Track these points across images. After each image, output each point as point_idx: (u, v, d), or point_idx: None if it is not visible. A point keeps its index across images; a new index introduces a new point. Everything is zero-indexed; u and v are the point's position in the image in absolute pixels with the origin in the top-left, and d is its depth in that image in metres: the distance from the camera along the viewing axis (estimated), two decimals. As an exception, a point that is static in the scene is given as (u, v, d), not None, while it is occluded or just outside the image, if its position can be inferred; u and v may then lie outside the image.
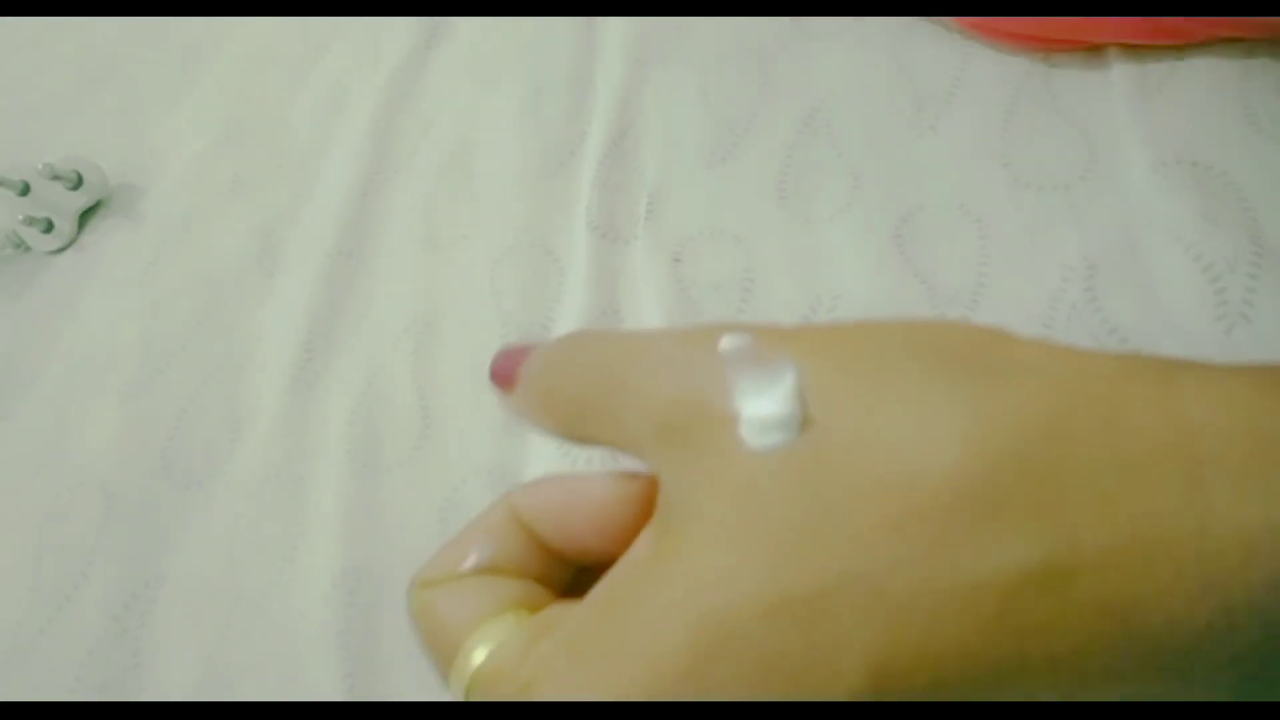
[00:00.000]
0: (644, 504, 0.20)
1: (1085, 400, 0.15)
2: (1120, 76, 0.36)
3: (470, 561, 0.21)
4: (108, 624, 0.39)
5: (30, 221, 0.54)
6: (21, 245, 0.56)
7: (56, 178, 0.55)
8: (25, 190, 0.55)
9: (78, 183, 0.55)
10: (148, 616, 0.38)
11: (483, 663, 0.19)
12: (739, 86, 0.44)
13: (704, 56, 0.46)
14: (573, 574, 0.22)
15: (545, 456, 0.37)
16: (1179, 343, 0.31)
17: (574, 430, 0.21)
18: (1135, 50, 0.37)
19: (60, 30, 0.70)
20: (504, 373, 0.22)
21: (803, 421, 0.16)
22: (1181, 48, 0.36)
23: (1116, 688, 0.15)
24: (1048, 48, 0.38)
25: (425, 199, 0.48)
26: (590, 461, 0.36)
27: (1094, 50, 0.37)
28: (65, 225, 0.55)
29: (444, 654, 0.20)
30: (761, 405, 0.17)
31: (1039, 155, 0.36)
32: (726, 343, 0.18)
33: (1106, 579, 0.14)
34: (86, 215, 0.56)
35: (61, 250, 0.55)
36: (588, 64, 0.48)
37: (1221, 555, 0.14)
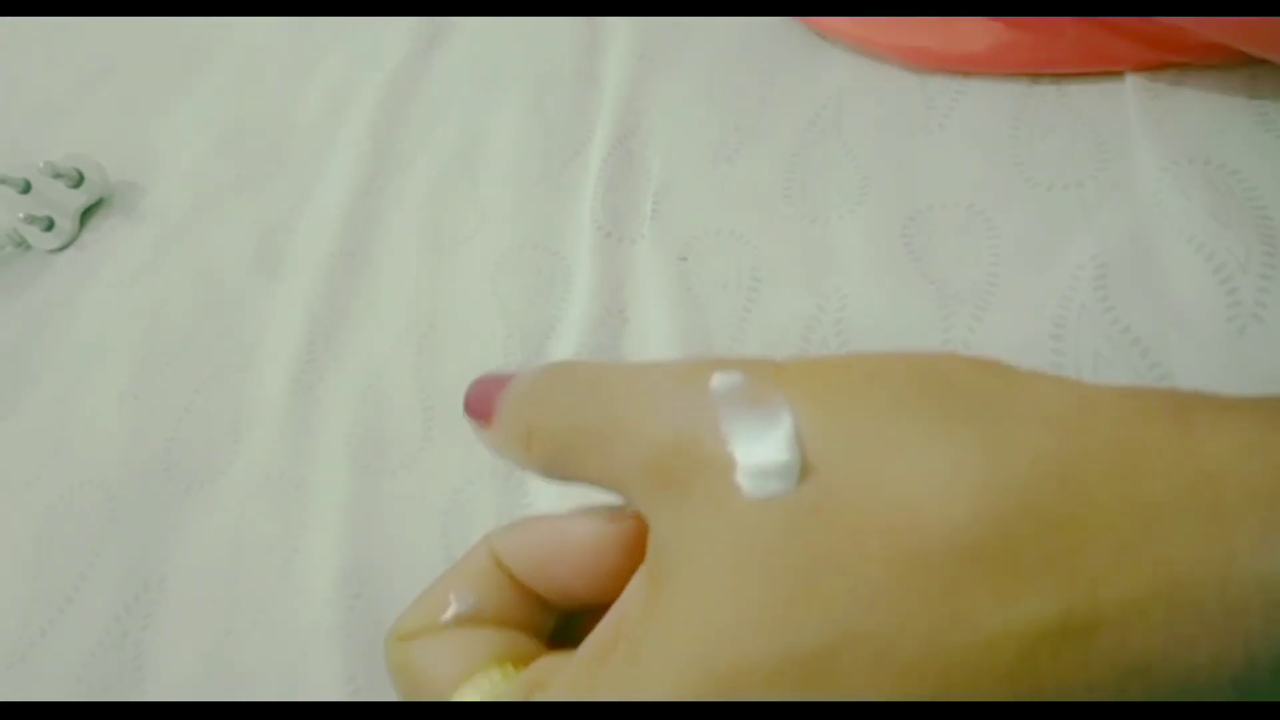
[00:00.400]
0: (633, 546, 0.19)
1: (1100, 443, 0.15)
2: (1131, 75, 0.36)
3: (450, 611, 0.20)
4: (109, 625, 0.38)
5: (31, 220, 0.54)
6: (22, 244, 0.55)
7: (58, 176, 0.54)
8: (26, 188, 0.54)
9: (79, 181, 0.55)
10: (149, 618, 0.38)
11: None
12: (745, 84, 0.44)
13: (710, 54, 0.45)
14: (557, 619, 0.21)
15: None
16: (1191, 343, 0.30)
17: (556, 469, 0.20)
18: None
19: (61, 28, 0.70)
20: (480, 405, 0.21)
21: (802, 468, 0.16)
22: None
23: None
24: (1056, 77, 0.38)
25: (428, 198, 0.47)
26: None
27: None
28: (66, 223, 0.55)
29: None
30: (758, 451, 0.16)
31: (1049, 154, 0.36)
32: (717, 382, 0.17)
33: (1128, 634, 0.14)
34: (88, 213, 0.56)
35: (62, 249, 0.55)
36: (592, 62, 0.48)
37: (1247, 607, 0.13)
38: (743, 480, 0.16)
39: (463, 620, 0.20)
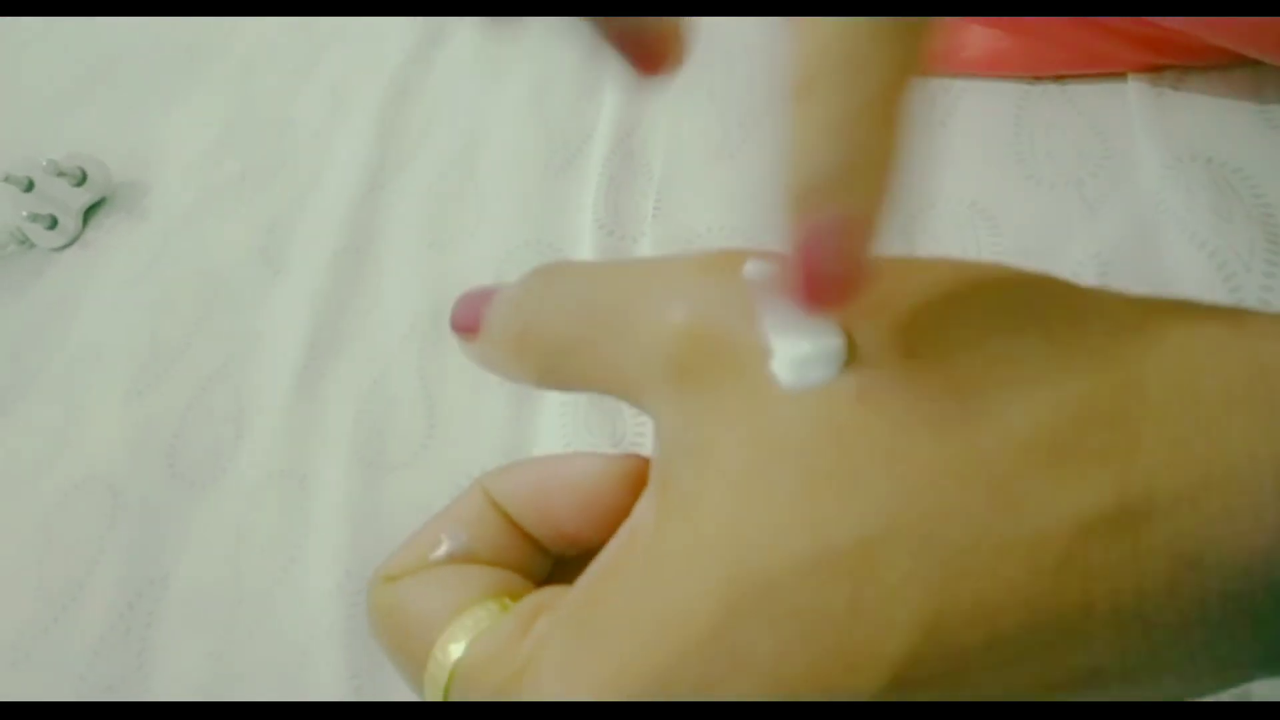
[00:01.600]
0: (631, 483, 0.18)
1: (1155, 341, 0.15)
2: (1133, 74, 0.36)
3: (442, 549, 0.19)
4: (113, 623, 0.38)
5: (34, 218, 0.54)
6: (26, 242, 0.55)
7: (61, 174, 0.55)
8: (29, 187, 0.54)
9: (82, 179, 0.55)
10: (153, 616, 0.38)
11: (465, 652, 0.17)
12: (746, 80, 0.43)
13: (711, 52, 0.45)
14: (551, 565, 0.20)
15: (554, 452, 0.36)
16: (1193, 341, 0.30)
17: (552, 373, 0.18)
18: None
19: (64, 27, 0.70)
20: (466, 317, 0.19)
21: (846, 355, 0.15)
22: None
23: (1181, 648, 0.14)
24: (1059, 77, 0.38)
25: (430, 196, 0.47)
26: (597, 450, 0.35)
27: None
28: (69, 222, 0.55)
29: (414, 651, 0.18)
30: (799, 338, 0.15)
31: (1051, 151, 0.36)
32: (752, 268, 0.16)
33: (1180, 523, 0.13)
34: (91, 212, 0.56)
35: (66, 247, 0.55)
36: (592, 59, 0.48)
37: None
38: (780, 369, 0.15)
39: (455, 558, 0.19)
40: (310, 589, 0.37)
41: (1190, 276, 0.31)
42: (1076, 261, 0.33)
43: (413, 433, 0.39)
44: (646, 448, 0.17)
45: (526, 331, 0.18)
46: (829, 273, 0.14)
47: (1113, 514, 0.13)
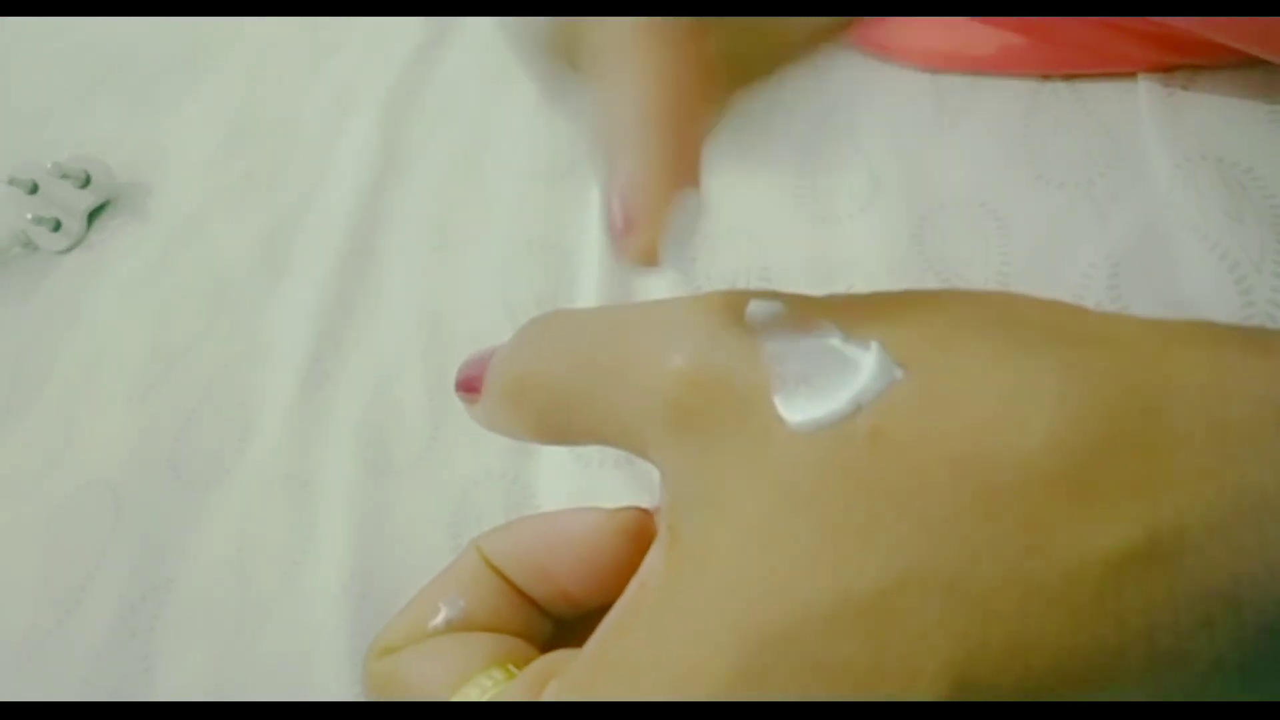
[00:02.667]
0: (633, 538, 0.18)
1: (1178, 369, 0.14)
2: (1143, 74, 0.36)
3: (440, 618, 0.18)
4: (117, 626, 0.38)
5: (39, 220, 0.54)
6: (30, 244, 0.55)
7: (65, 176, 0.55)
8: (34, 189, 0.54)
9: (86, 181, 0.55)
10: (157, 619, 0.38)
11: None
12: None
13: (718, 53, 0.45)
14: (552, 629, 0.19)
15: (557, 460, 0.36)
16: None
17: (552, 425, 0.18)
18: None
19: (68, 28, 0.70)
20: (470, 379, 0.19)
21: (857, 394, 0.14)
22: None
23: (1216, 682, 0.13)
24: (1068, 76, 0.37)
25: (436, 198, 0.47)
26: (604, 464, 0.35)
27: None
28: (73, 224, 0.55)
29: None
30: (808, 377, 0.14)
31: (1061, 151, 0.36)
32: (755, 308, 0.15)
33: (1213, 557, 0.13)
34: (95, 214, 0.56)
35: (70, 249, 0.55)
36: (599, 61, 0.48)
37: None
38: (789, 411, 0.14)
39: (454, 626, 0.18)
40: (314, 592, 0.36)
41: (1201, 278, 0.31)
42: (1087, 262, 0.33)
43: (417, 436, 0.39)
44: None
45: (523, 381, 0.18)
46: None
47: (1144, 549, 0.13)
